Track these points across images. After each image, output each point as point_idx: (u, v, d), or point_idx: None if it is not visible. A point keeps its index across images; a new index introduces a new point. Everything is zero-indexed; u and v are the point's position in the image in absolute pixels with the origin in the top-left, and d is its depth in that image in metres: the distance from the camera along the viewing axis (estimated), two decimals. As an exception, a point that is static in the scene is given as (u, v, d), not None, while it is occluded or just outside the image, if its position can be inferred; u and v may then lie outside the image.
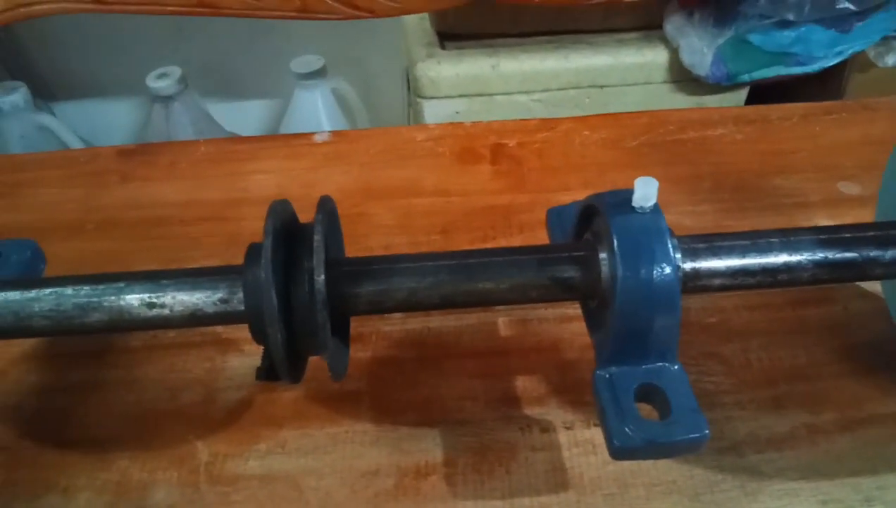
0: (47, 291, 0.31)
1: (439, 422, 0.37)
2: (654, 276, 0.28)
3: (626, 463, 0.34)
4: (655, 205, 0.30)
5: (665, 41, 0.81)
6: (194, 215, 0.52)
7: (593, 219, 0.33)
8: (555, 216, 0.40)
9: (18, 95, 0.93)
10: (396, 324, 0.42)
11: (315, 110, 0.97)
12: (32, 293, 0.31)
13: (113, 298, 0.30)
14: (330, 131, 0.62)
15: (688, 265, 0.31)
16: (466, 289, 0.31)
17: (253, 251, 0.30)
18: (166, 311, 0.31)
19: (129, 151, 0.60)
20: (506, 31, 0.79)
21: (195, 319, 0.31)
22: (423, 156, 0.58)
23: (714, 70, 0.79)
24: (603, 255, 0.30)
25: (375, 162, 0.58)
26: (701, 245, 0.31)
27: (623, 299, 0.29)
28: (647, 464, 0.34)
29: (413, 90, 0.79)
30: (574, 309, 0.43)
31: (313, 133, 0.62)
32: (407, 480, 0.34)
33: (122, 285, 0.31)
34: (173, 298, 0.30)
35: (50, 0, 0.52)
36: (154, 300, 0.30)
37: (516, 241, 0.49)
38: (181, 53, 1.03)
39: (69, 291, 0.31)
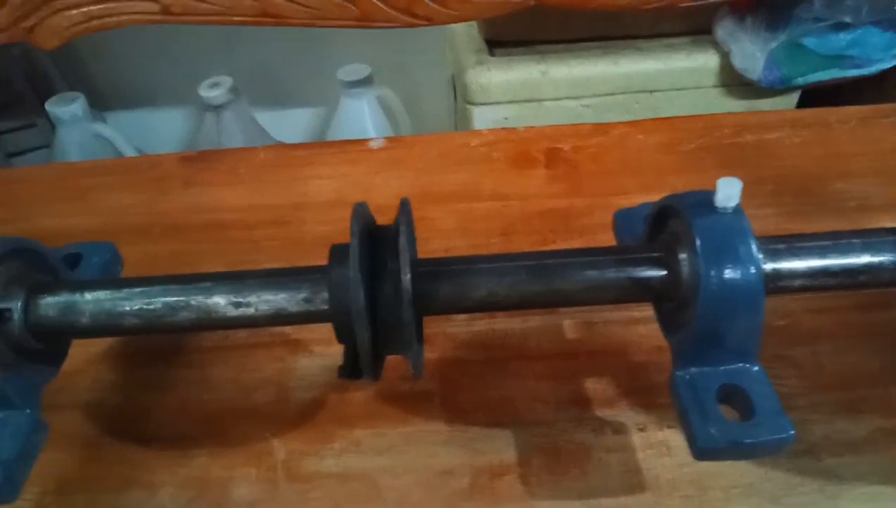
0: (137, 290, 0.32)
1: (510, 423, 0.37)
2: (739, 277, 0.28)
3: (703, 465, 0.34)
4: (737, 205, 0.30)
5: (715, 45, 0.81)
6: (256, 219, 0.53)
7: (669, 220, 0.33)
8: (622, 219, 0.40)
9: (77, 105, 0.96)
10: (462, 326, 0.43)
11: (361, 118, 0.98)
12: (123, 293, 0.32)
13: (200, 297, 0.31)
14: (384, 137, 0.63)
15: (768, 266, 0.31)
16: (545, 289, 0.31)
17: (337, 252, 0.31)
18: (251, 310, 0.31)
19: (190, 158, 0.61)
20: (554, 37, 0.79)
21: (279, 318, 0.32)
22: (478, 161, 0.58)
23: (767, 74, 0.79)
24: (683, 255, 0.30)
25: (431, 167, 0.58)
26: (781, 246, 0.31)
27: (706, 300, 0.29)
28: (723, 466, 0.34)
29: (462, 97, 0.79)
30: (640, 312, 0.43)
31: (368, 139, 0.63)
32: (482, 480, 0.34)
33: (208, 284, 0.32)
34: (258, 297, 0.31)
35: (122, 12, 0.54)
36: (240, 300, 0.31)
37: (577, 244, 0.49)
38: (231, 63, 1.05)
39: (158, 290, 0.32)
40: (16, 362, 0.32)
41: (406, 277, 0.28)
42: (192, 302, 0.31)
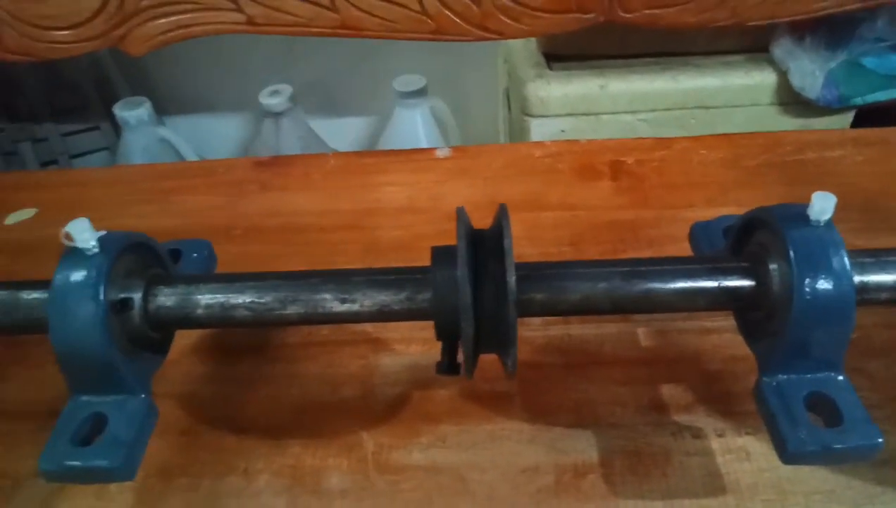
0: (249, 285, 0.34)
1: (591, 425, 0.38)
2: (832, 288, 0.29)
3: (783, 471, 0.35)
4: (830, 219, 0.31)
5: (772, 64, 0.81)
6: (332, 223, 0.55)
7: (756, 232, 0.34)
8: (701, 230, 0.41)
9: (143, 110, 0.99)
10: (538, 330, 0.44)
11: (414, 128, 1.00)
12: (236, 287, 0.34)
13: (309, 293, 0.33)
14: (450, 147, 0.65)
15: (857, 279, 0.32)
16: (638, 295, 0.32)
17: (441, 254, 0.33)
18: (356, 306, 0.33)
19: (264, 163, 0.64)
20: (612, 52, 0.81)
21: (381, 314, 0.33)
22: (543, 171, 0.60)
23: (825, 93, 0.79)
24: (773, 266, 0.31)
25: (498, 176, 0.60)
26: (869, 260, 0.32)
27: (799, 310, 0.30)
28: (804, 473, 0.35)
29: (519, 109, 0.81)
30: (713, 322, 0.44)
31: (433, 148, 0.65)
32: (566, 478, 0.35)
33: (316, 281, 0.33)
34: (363, 294, 0.33)
35: (209, 22, 0.57)
36: (346, 296, 0.33)
37: (646, 255, 0.50)
38: (288, 72, 1.08)
39: (269, 285, 0.33)
40: (133, 349, 0.34)
41: (511, 278, 0.30)
42: (301, 297, 0.33)
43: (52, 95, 1.08)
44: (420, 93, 0.99)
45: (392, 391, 0.41)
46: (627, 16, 0.57)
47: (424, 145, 1.01)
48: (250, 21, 0.56)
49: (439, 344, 0.44)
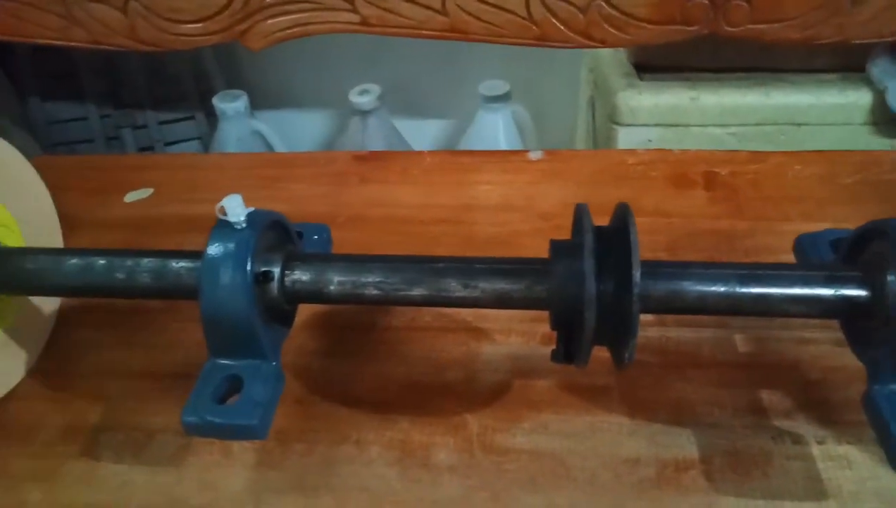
0: (378, 265, 0.36)
1: (690, 423, 0.39)
2: (954, 299, 0.30)
3: (888, 481, 0.35)
4: (950, 233, 0.31)
5: (868, 83, 0.81)
6: (431, 216, 0.58)
7: (870, 243, 0.35)
8: (808, 241, 0.42)
9: (240, 103, 1.05)
10: (635, 330, 0.45)
11: (495, 132, 1.03)
12: (366, 267, 0.36)
13: (434, 276, 0.35)
14: (542, 150, 0.66)
15: (977, 293, 0.32)
16: (754, 298, 0.33)
17: (562, 247, 0.34)
18: (477, 293, 0.35)
19: (363, 157, 0.67)
20: (704, 65, 0.81)
21: (500, 301, 0.35)
22: (636, 178, 0.61)
23: (923, 113, 0.78)
24: (892, 277, 0.32)
25: (591, 181, 0.61)
26: None
27: (919, 318, 0.30)
28: (908, 485, 0.35)
29: (607, 117, 0.82)
30: (810, 333, 0.44)
31: (526, 151, 0.67)
32: (668, 472, 0.37)
33: (441, 266, 0.36)
34: (485, 281, 0.35)
35: (325, 21, 0.60)
36: (468, 282, 0.35)
37: (742, 264, 0.51)
38: (375, 72, 1.12)
39: (397, 267, 0.36)
40: (268, 319, 0.37)
41: (637, 272, 0.31)
42: (427, 280, 0.35)
43: (153, 85, 1.14)
44: (504, 98, 1.01)
45: (494, 378, 0.43)
46: (731, 30, 0.57)
47: (504, 149, 1.03)
48: (364, 22, 0.59)
49: (537, 335, 0.46)
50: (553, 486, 0.36)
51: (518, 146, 1.05)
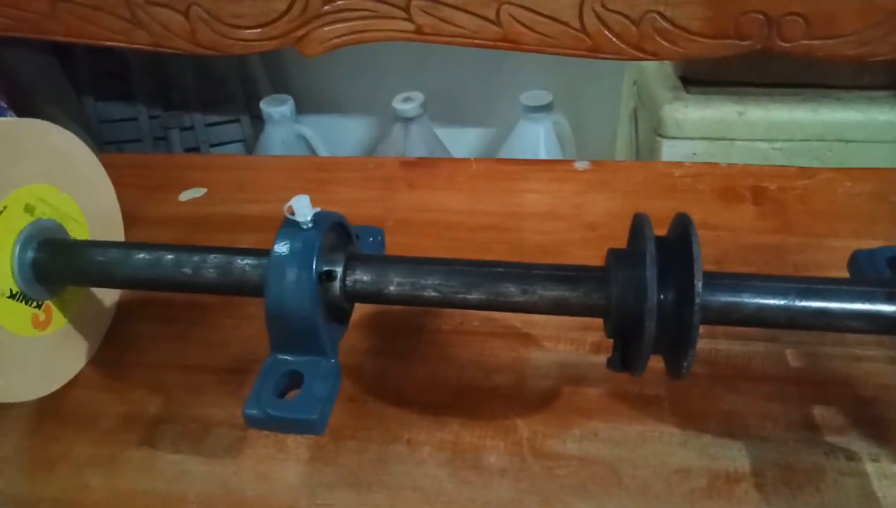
0: (438, 268, 0.37)
1: (742, 435, 0.39)
2: None
3: (944, 502, 0.35)
4: None
5: (918, 100, 0.80)
6: (478, 222, 0.58)
7: (932, 261, 0.35)
8: (864, 258, 0.42)
9: (286, 107, 1.07)
10: (685, 342, 0.45)
11: (536, 142, 1.03)
12: (425, 269, 0.37)
13: (493, 280, 0.36)
14: (588, 161, 0.67)
15: None
16: (814, 312, 0.33)
17: (620, 255, 0.35)
18: (535, 297, 0.36)
19: (410, 163, 0.68)
20: (751, 79, 0.81)
21: (557, 307, 0.36)
22: (683, 190, 0.61)
23: (976, 133, 0.77)
24: (956, 295, 0.32)
25: (637, 191, 0.61)
26: None
27: (985, 338, 0.30)
28: (966, 506, 0.35)
29: (652, 129, 0.82)
30: (863, 350, 0.44)
31: (572, 160, 0.67)
32: (719, 483, 0.37)
33: (500, 271, 0.36)
34: (543, 287, 0.35)
35: (380, 28, 0.61)
36: (527, 287, 0.36)
37: (792, 280, 0.50)
38: (418, 80, 1.13)
39: (456, 271, 0.37)
40: (329, 317, 0.37)
41: (699, 282, 0.31)
42: (485, 284, 0.36)
43: (201, 88, 1.17)
44: (546, 108, 1.02)
45: (543, 384, 0.43)
46: (785, 45, 0.57)
47: (544, 159, 1.04)
48: (418, 30, 0.60)
49: (587, 343, 0.46)
50: (604, 493, 0.37)
51: (558, 157, 1.06)
